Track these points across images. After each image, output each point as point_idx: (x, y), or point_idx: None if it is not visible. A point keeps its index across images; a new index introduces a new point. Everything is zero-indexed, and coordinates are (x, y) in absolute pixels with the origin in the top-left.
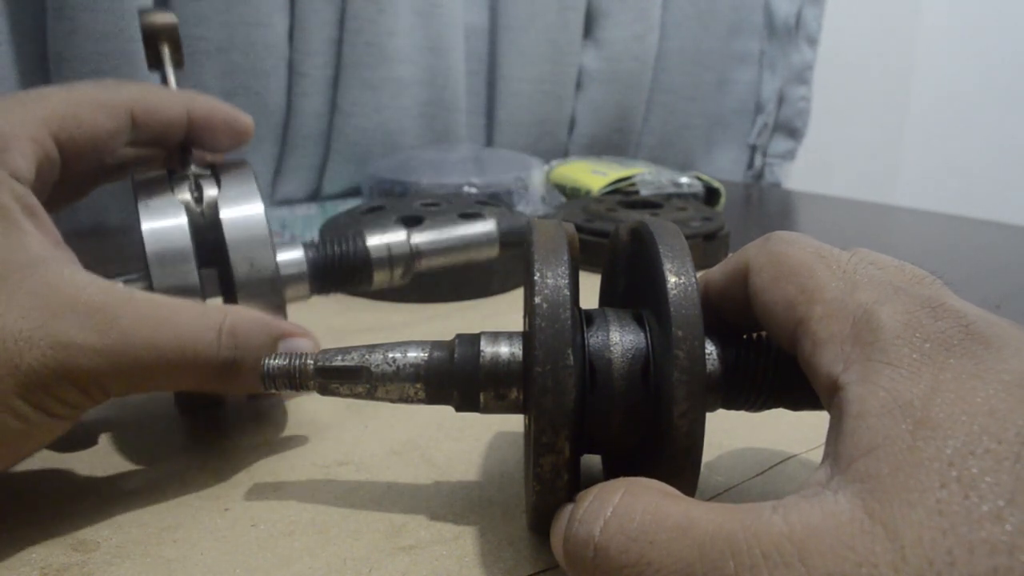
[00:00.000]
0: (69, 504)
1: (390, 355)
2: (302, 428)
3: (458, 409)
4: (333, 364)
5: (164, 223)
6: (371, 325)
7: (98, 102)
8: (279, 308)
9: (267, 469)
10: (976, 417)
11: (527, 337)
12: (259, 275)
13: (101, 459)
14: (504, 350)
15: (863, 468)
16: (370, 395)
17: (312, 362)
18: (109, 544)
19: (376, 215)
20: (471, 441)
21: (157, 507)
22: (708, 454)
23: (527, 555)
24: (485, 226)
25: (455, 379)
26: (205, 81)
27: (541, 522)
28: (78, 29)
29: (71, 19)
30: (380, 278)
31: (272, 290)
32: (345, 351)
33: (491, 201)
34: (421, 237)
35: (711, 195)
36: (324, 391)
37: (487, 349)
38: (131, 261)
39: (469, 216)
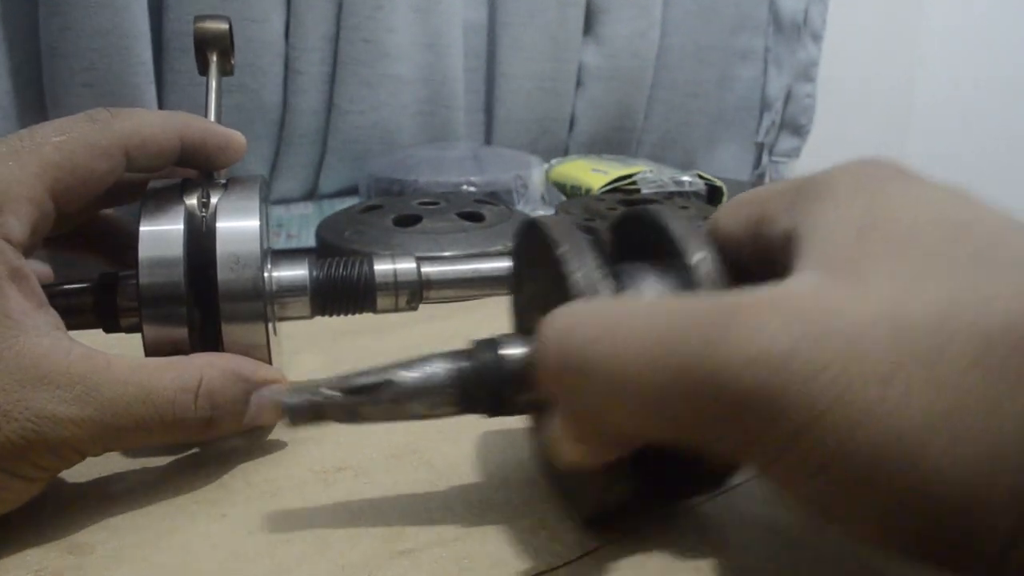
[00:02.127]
0: (65, 507)
1: (414, 370)
2: (300, 433)
3: (491, 415)
4: (357, 383)
5: (161, 227)
6: (369, 324)
7: (91, 144)
8: (261, 321)
9: (264, 475)
10: (917, 210)
11: None
12: (243, 289)
13: (97, 463)
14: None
15: (819, 258)
16: (397, 414)
17: (337, 393)
18: (105, 548)
19: (373, 214)
20: (470, 444)
21: (154, 512)
22: None
23: (527, 557)
24: (505, 264)
25: (485, 385)
26: (202, 79)
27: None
28: (71, 25)
29: (64, 15)
30: (384, 303)
31: (255, 305)
32: (364, 373)
33: (490, 200)
34: (432, 267)
35: (713, 193)
36: (352, 418)
37: (510, 352)
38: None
39: (487, 255)
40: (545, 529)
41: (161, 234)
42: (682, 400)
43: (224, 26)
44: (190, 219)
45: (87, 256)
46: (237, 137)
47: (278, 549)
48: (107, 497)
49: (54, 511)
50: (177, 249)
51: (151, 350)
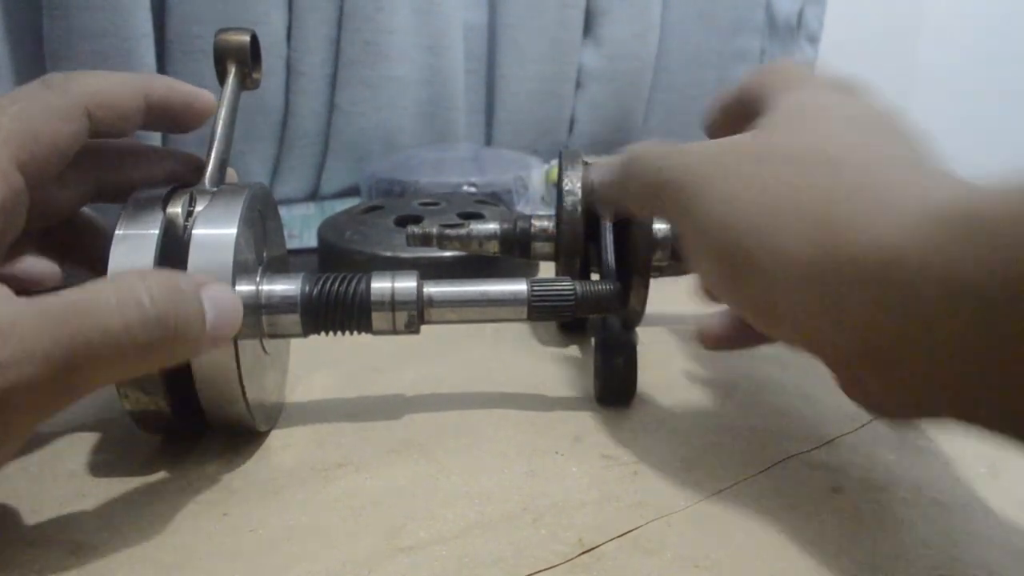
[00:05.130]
0: (67, 508)
1: (480, 225)
2: (301, 431)
3: (520, 256)
4: (448, 231)
5: (135, 233)
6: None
7: (49, 108)
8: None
9: (265, 473)
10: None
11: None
12: None
13: (98, 463)
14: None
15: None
16: (468, 247)
17: (435, 231)
18: (107, 548)
19: (375, 214)
20: (471, 437)
21: (155, 512)
22: (708, 452)
23: (529, 554)
24: (514, 286)
25: (516, 238)
26: (202, 80)
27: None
28: (74, 28)
29: (67, 18)
30: (380, 323)
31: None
32: (455, 225)
33: (491, 201)
34: (435, 287)
35: None
36: (441, 244)
37: (535, 222)
38: None
39: (500, 278)
40: (545, 527)
41: (134, 240)
42: (633, 196)
43: (244, 38)
44: (170, 227)
45: (65, 263)
46: (204, 94)
47: (279, 547)
48: (108, 497)
49: (55, 511)
50: (148, 257)
51: None
